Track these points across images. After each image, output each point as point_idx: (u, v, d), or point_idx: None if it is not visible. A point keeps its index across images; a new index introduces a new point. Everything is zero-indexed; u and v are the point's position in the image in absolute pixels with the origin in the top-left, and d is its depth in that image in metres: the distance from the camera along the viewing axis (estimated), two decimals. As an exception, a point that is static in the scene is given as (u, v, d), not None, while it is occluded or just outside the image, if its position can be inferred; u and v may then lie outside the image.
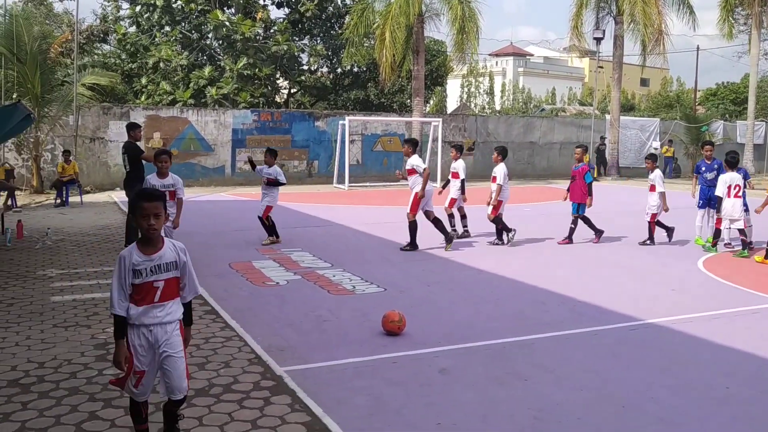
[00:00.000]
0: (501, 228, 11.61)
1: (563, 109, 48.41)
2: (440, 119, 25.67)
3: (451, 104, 60.19)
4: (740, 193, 10.96)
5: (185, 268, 3.94)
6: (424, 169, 10.73)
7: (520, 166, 28.72)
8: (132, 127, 10.79)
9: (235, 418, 4.57)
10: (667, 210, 11.75)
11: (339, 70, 31.89)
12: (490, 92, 67.56)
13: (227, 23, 26.69)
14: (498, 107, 63.54)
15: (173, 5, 27.68)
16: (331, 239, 12.13)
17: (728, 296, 8.38)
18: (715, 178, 11.54)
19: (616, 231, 12.95)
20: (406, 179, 11.07)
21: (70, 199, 17.05)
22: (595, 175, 28.43)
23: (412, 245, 10.96)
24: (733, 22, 30.74)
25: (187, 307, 4.05)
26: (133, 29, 28.73)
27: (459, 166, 12.25)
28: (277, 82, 30.96)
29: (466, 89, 66.06)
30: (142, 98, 26.84)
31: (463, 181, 12.20)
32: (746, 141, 30.74)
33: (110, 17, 29.13)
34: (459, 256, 10.63)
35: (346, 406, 4.83)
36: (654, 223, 11.88)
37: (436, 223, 10.98)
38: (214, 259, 10.07)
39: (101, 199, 18.40)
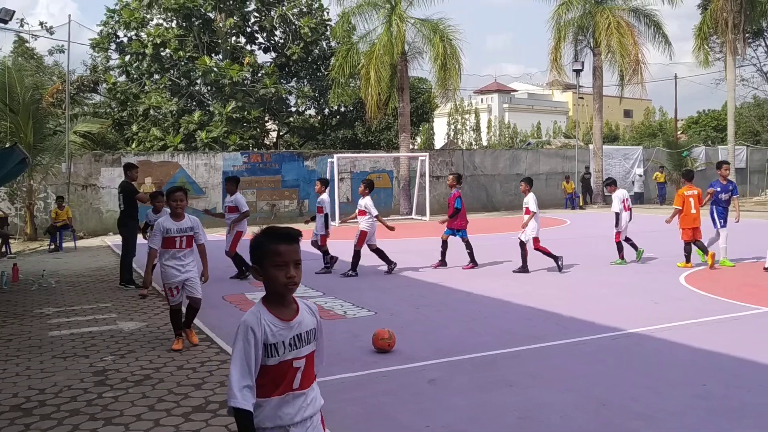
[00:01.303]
0: (357, 260, 11.72)
1: (548, 142, 49.18)
2: (427, 154, 26.14)
3: (439, 141, 60.96)
4: (629, 205, 12.40)
5: (322, 338, 2.90)
6: (245, 211, 11.42)
7: (508, 197, 29.12)
8: (129, 167, 11.17)
9: (232, 430, 4.75)
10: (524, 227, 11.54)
11: (326, 110, 32.49)
12: (477, 129, 68.50)
13: (215, 69, 27.27)
14: (485, 143, 64.36)
15: (162, 53, 28.29)
16: (324, 276, 12.34)
17: (708, 306, 8.63)
18: (729, 201, 11.79)
19: (599, 254, 13.22)
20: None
21: (64, 244, 17.23)
22: (581, 204, 28.99)
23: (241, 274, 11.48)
24: (708, 49, 31.58)
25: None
26: (122, 78, 29.28)
27: (324, 200, 12.12)
28: (266, 124, 31.47)
29: (452, 126, 66.97)
30: (133, 145, 27.24)
31: (327, 216, 12.01)
32: (728, 165, 31.31)
33: (100, 67, 29.69)
34: (448, 281, 10.86)
35: (340, 414, 5.02)
36: (540, 247, 11.50)
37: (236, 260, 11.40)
38: (208, 293, 10.12)
39: (95, 244, 18.59)
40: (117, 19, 29.03)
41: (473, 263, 12.13)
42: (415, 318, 8.34)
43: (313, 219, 12.32)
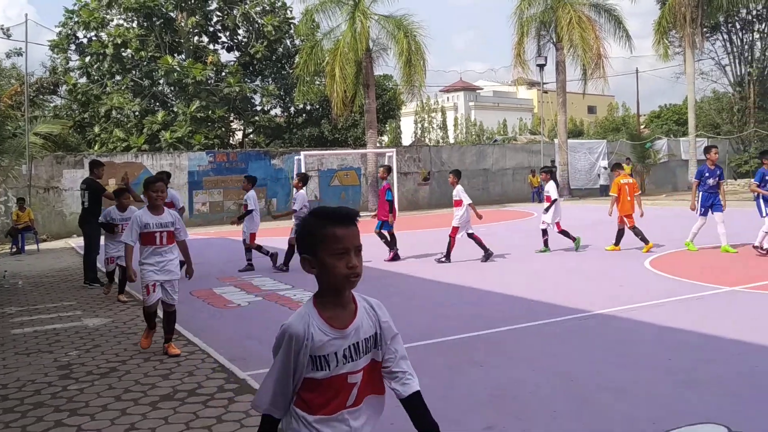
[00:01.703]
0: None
1: (515, 139, 49.65)
2: (394, 150, 26.17)
3: (406, 140, 61.14)
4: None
5: (395, 341, 2.40)
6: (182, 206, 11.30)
7: (476, 192, 29.20)
8: (95, 165, 10.97)
9: (200, 416, 4.69)
10: (481, 217, 11.85)
11: (292, 108, 32.34)
12: (444, 127, 68.89)
13: (178, 68, 26.95)
14: (452, 140, 64.74)
15: (123, 54, 27.87)
16: (291, 266, 12.25)
17: (673, 287, 8.78)
18: (716, 185, 11.63)
19: (564, 243, 13.34)
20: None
21: (27, 247, 16.87)
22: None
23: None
24: (668, 43, 32.19)
25: (419, 400, 2.34)
26: (83, 80, 28.77)
27: (248, 197, 12.09)
28: (232, 123, 31.22)
29: (419, 125, 67.25)
30: (96, 147, 26.78)
31: (249, 212, 11.96)
32: (689, 156, 31.93)
33: (60, 69, 29.12)
34: (417, 272, 10.90)
35: (309, 397, 4.98)
36: (454, 237, 11.72)
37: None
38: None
39: (58, 246, 18.23)
40: (76, 19, 28.52)
41: (393, 253, 12.29)
42: (386, 306, 8.31)
43: (241, 219, 12.09)
